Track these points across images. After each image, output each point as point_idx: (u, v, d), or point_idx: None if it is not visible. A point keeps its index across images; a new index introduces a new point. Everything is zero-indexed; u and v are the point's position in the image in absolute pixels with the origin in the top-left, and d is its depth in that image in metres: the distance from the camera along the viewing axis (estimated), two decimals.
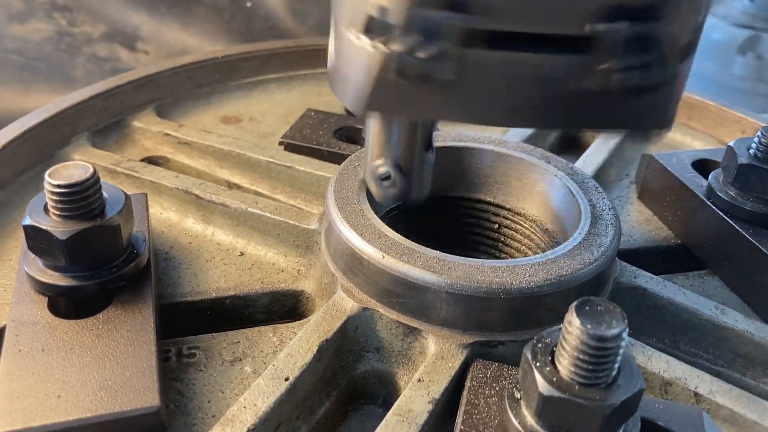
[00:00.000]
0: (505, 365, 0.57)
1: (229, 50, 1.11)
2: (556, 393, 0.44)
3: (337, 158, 0.85)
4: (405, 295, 0.59)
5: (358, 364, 0.62)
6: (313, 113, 0.97)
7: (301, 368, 0.56)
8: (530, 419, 0.47)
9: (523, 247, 0.77)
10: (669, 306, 0.66)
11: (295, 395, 0.56)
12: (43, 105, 0.90)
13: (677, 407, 0.52)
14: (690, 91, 1.04)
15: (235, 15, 1.38)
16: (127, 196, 0.61)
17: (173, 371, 0.60)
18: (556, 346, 0.46)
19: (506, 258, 0.78)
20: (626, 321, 0.44)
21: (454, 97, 0.43)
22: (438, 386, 0.56)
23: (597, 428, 0.44)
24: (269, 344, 0.63)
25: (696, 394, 0.57)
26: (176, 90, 1.03)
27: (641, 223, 0.84)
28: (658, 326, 0.66)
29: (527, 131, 0.93)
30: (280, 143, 0.90)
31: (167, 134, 0.92)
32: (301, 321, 0.65)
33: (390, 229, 0.63)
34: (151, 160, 0.89)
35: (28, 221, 0.57)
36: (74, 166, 0.59)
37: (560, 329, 0.45)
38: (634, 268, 0.69)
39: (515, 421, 0.47)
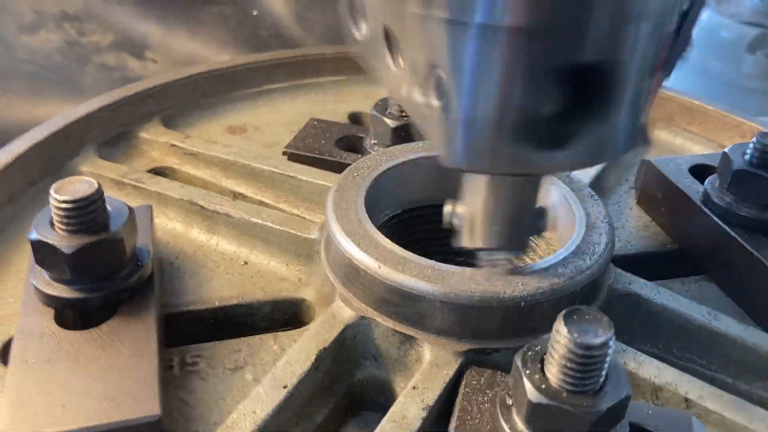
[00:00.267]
0: (499, 372, 0.58)
1: (234, 60, 1.12)
2: (544, 400, 0.46)
3: (339, 167, 0.85)
4: (401, 304, 0.61)
5: (356, 372, 0.63)
6: (315, 122, 0.98)
7: (299, 376, 0.58)
8: (521, 425, 0.48)
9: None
10: (662, 312, 0.66)
11: (294, 403, 0.57)
12: (53, 114, 0.91)
13: (667, 412, 0.53)
14: (690, 95, 1.05)
15: (242, 23, 1.40)
16: (130, 210, 0.63)
17: (176, 379, 0.61)
18: (545, 354, 0.48)
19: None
20: (613, 330, 0.45)
21: None
22: (432, 393, 0.57)
23: None
24: (270, 352, 0.64)
25: (686, 400, 0.58)
26: (182, 100, 1.05)
27: (639, 229, 0.84)
28: (652, 332, 0.67)
29: None
30: (284, 153, 0.92)
31: (174, 145, 0.93)
32: (301, 329, 0.66)
33: (387, 239, 0.64)
34: (158, 171, 0.91)
35: (34, 236, 0.59)
36: (79, 181, 0.60)
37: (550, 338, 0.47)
38: (628, 274, 0.69)
39: (506, 427, 0.49)
